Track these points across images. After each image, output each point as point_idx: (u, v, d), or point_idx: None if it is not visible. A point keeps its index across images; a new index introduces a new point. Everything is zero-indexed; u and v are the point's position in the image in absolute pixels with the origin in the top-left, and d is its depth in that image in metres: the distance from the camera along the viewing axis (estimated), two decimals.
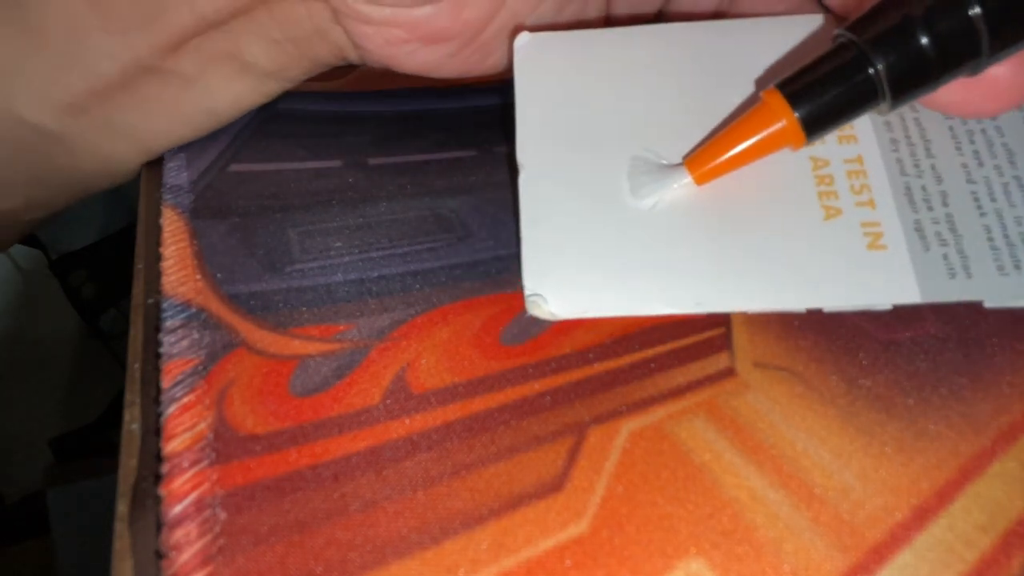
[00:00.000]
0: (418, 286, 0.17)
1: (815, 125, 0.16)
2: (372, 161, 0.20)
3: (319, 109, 0.22)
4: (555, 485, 0.13)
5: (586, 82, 0.18)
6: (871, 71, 0.15)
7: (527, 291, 0.16)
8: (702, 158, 0.17)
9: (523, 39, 0.19)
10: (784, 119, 0.16)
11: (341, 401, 0.14)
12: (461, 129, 0.21)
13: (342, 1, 0.17)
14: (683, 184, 0.17)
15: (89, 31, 0.17)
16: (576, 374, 0.15)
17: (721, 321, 0.16)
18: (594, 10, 0.20)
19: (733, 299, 0.16)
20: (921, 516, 0.13)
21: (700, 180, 0.17)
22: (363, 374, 0.15)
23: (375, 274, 0.17)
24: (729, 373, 0.15)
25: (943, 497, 0.13)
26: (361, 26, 0.17)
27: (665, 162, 0.17)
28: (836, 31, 0.16)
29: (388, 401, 0.14)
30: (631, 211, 0.17)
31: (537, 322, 0.16)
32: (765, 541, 0.12)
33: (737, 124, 0.16)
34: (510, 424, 0.14)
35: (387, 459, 0.14)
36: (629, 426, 0.14)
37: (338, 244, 0.18)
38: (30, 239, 0.60)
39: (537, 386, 0.15)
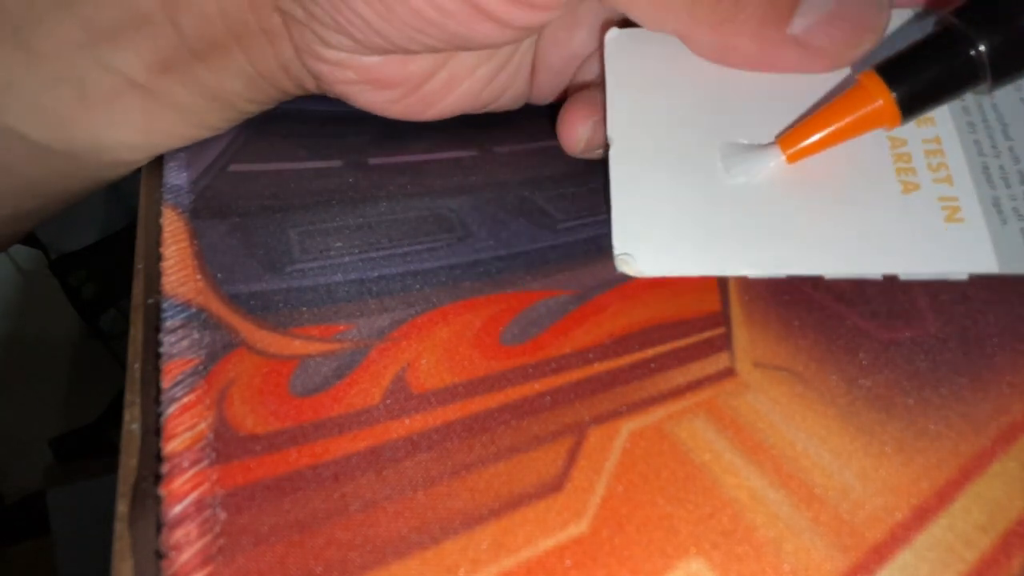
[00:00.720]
0: (418, 286, 0.17)
1: (911, 105, 0.16)
2: (372, 161, 0.20)
3: (319, 109, 0.22)
4: (555, 485, 0.13)
5: (672, 71, 0.19)
6: (973, 52, 0.16)
7: (616, 250, 0.17)
8: (795, 137, 0.17)
9: (613, 34, 0.20)
10: (880, 99, 0.16)
11: (341, 401, 0.14)
12: (461, 129, 0.21)
13: (305, 43, 0.18)
14: (776, 162, 0.17)
15: (80, 47, 0.18)
16: (576, 374, 0.15)
17: (721, 321, 0.16)
18: (522, 82, 0.21)
19: (813, 262, 0.16)
20: (921, 516, 0.13)
21: (792, 158, 0.17)
22: (363, 374, 0.15)
23: (375, 274, 0.17)
24: (729, 373, 0.15)
25: (943, 497, 0.13)
26: (319, 64, 0.19)
27: (755, 143, 0.18)
28: (937, 15, 0.16)
29: (388, 401, 0.14)
30: (717, 182, 0.17)
31: (536, 322, 0.16)
32: (765, 541, 0.12)
33: (832, 104, 0.17)
34: (510, 424, 0.14)
35: (387, 459, 0.14)
36: (629, 426, 0.14)
37: (338, 244, 0.18)
38: (30, 239, 0.60)
39: (537, 386, 0.15)
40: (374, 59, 0.19)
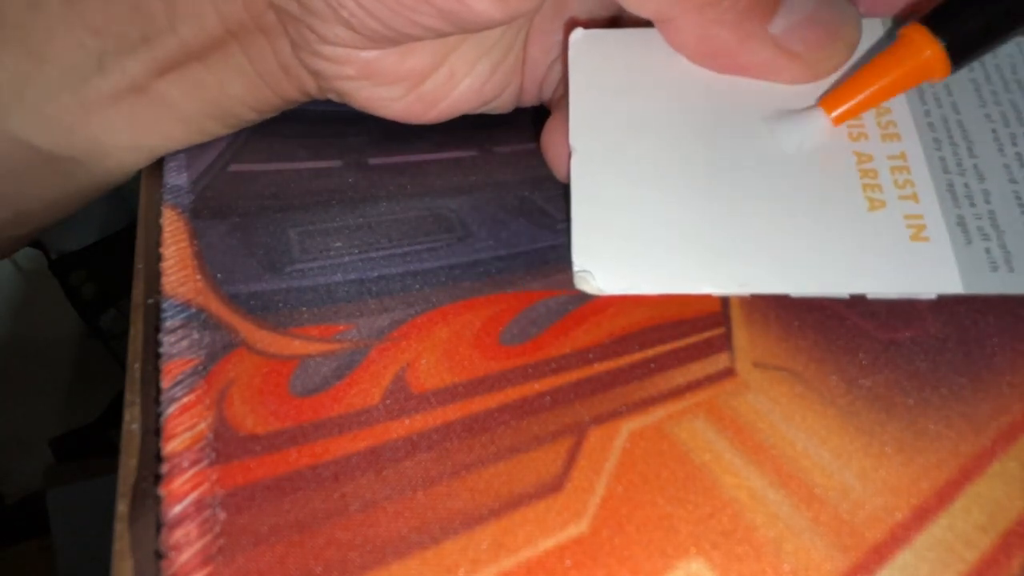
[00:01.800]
0: (418, 286, 0.17)
1: (961, 51, 0.16)
2: (372, 161, 0.20)
3: (319, 109, 0.22)
4: (555, 485, 0.13)
5: (638, 75, 0.19)
6: None
7: (575, 267, 0.16)
8: (839, 97, 0.17)
9: (577, 35, 0.19)
10: (928, 49, 0.16)
11: (341, 401, 0.14)
12: (461, 129, 0.21)
13: (301, 38, 0.18)
14: (822, 123, 0.17)
15: (86, 52, 0.18)
16: (576, 374, 0.15)
17: (721, 321, 0.16)
18: (515, 79, 0.21)
19: (778, 281, 0.16)
20: (921, 516, 0.13)
21: (838, 120, 0.17)
22: (363, 374, 0.15)
23: (375, 274, 0.17)
24: (729, 373, 0.15)
25: (943, 497, 0.13)
26: (317, 60, 0.18)
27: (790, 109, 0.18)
28: None
29: (388, 401, 0.14)
30: (678, 194, 0.17)
31: (536, 322, 0.16)
32: (765, 541, 0.12)
33: (876, 60, 0.17)
34: (510, 424, 0.14)
35: (387, 459, 0.14)
36: (629, 426, 0.14)
37: (338, 244, 0.18)
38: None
39: (537, 386, 0.15)
40: (372, 53, 0.18)
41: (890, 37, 0.18)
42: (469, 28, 0.18)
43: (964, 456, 0.13)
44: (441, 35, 0.18)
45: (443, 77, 0.20)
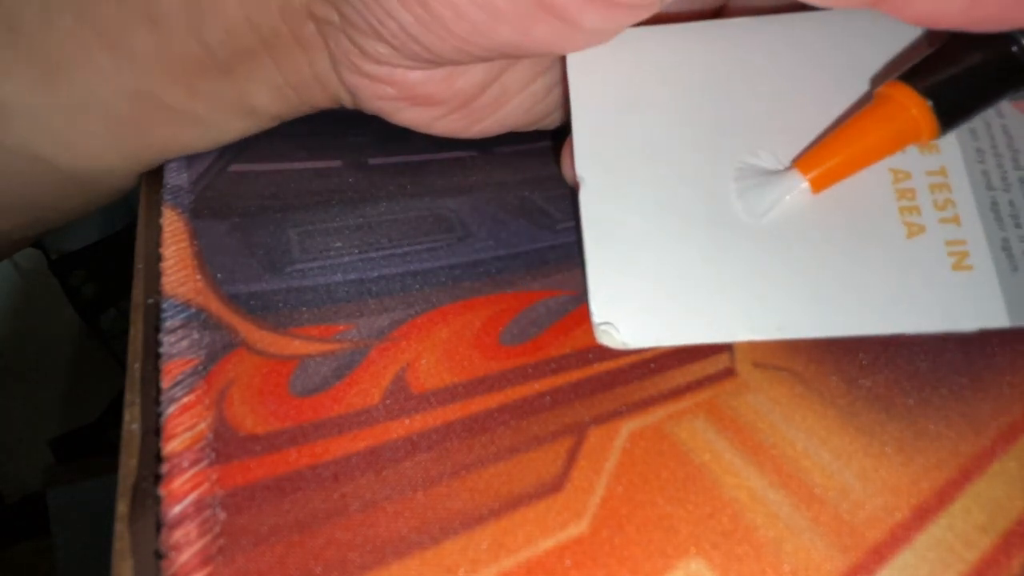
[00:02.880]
0: (418, 286, 0.17)
1: (950, 114, 0.15)
2: (372, 161, 0.20)
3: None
4: (555, 485, 0.13)
5: (646, 86, 0.17)
6: (1015, 48, 0.14)
7: (595, 319, 0.15)
8: (816, 159, 0.15)
9: (575, 54, 0.18)
10: (913, 107, 0.15)
11: (341, 401, 0.14)
12: None
13: (342, 52, 0.17)
14: (798, 190, 0.16)
15: (99, 68, 0.18)
16: (576, 374, 0.15)
17: None
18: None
19: (815, 325, 0.15)
20: (921, 516, 0.13)
21: (817, 186, 0.16)
22: (363, 374, 0.15)
23: (375, 274, 0.17)
24: (729, 373, 0.15)
25: (943, 497, 0.13)
26: (356, 77, 0.18)
27: (770, 167, 0.16)
28: None
29: (388, 401, 0.14)
30: (704, 228, 0.16)
31: (536, 322, 0.16)
32: (765, 541, 0.12)
33: (856, 120, 0.15)
34: (510, 424, 0.14)
35: (387, 459, 0.14)
36: (629, 426, 0.14)
37: (338, 244, 0.18)
38: None
39: (537, 386, 0.15)
40: (417, 74, 0.17)
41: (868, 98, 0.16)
42: (523, 56, 0.17)
43: (964, 456, 0.13)
44: (491, 61, 0.17)
45: (492, 97, 0.19)
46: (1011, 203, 0.16)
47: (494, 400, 0.14)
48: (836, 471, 0.13)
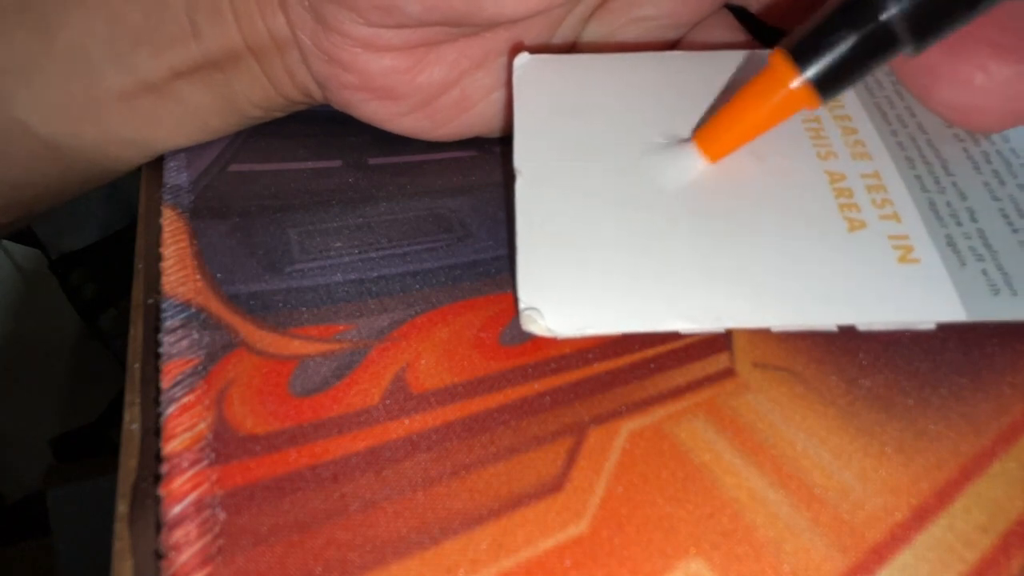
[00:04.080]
0: (418, 286, 0.17)
1: (828, 84, 0.15)
2: (372, 161, 0.20)
3: (320, 109, 0.22)
4: (555, 485, 0.13)
5: (584, 100, 0.18)
6: (883, 16, 0.14)
7: (522, 304, 0.15)
8: (712, 131, 0.16)
9: (523, 59, 0.19)
10: (793, 78, 0.15)
11: (341, 401, 0.14)
12: None
13: (308, 34, 0.18)
14: (695, 161, 0.16)
15: (101, 45, 0.18)
16: (576, 374, 0.15)
17: None
18: None
19: (758, 314, 0.15)
20: (921, 516, 0.13)
21: (713, 156, 0.16)
22: (363, 374, 0.15)
23: (375, 274, 0.17)
24: (729, 373, 0.15)
25: (943, 497, 0.13)
26: (324, 66, 0.18)
27: (671, 142, 0.17)
28: None
29: (388, 401, 0.14)
30: (638, 216, 0.16)
31: None
32: (765, 541, 0.12)
33: (744, 90, 0.16)
34: (510, 424, 0.14)
35: (387, 459, 0.14)
36: (629, 426, 0.14)
37: (338, 244, 0.18)
38: (30, 239, 0.60)
39: (537, 386, 0.15)
40: (383, 63, 0.18)
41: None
42: (485, 23, 0.17)
43: (964, 456, 0.13)
44: (457, 27, 0.17)
45: (454, 99, 0.19)
46: (948, 204, 0.16)
47: (494, 400, 0.14)
48: (836, 471, 0.13)
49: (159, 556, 0.12)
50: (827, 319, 0.15)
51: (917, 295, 0.15)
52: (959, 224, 0.16)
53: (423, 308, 0.16)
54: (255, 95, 0.20)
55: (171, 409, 0.14)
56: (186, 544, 0.12)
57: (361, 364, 0.15)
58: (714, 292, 0.15)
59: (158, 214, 0.18)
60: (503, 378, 0.15)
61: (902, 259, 0.15)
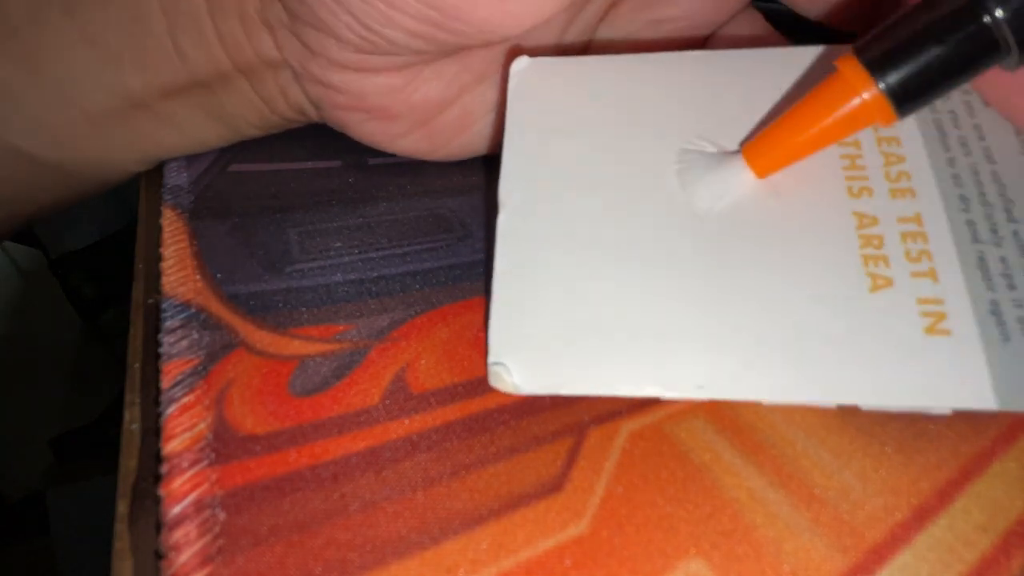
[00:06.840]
0: (418, 286, 0.17)
1: (908, 97, 0.13)
2: (372, 161, 0.20)
3: None
4: (555, 485, 0.13)
5: (588, 113, 0.17)
6: (987, 19, 0.12)
7: (490, 358, 0.14)
8: (762, 144, 0.14)
9: (521, 63, 0.17)
10: (865, 91, 0.13)
11: (341, 401, 0.14)
12: None
13: (296, 59, 0.17)
14: (741, 176, 0.14)
15: (87, 71, 0.18)
16: None
17: None
18: None
19: (744, 387, 0.13)
20: (921, 516, 0.13)
21: (762, 171, 0.14)
22: (363, 374, 0.15)
23: (375, 274, 0.17)
24: None
25: (943, 497, 0.13)
26: (315, 87, 0.18)
27: (716, 151, 0.15)
28: None
29: (387, 401, 0.14)
30: (630, 266, 0.14)
31: None
32: (765, 541, 0.12)
33: (805, 102, 0.14)
34: (509, 424, 0.14)
35: (386, 459, 0.14)
36: (629, 426, 0.14)
37: (338, 244, 0.18)
38: (30, 239, 0.60)
39: None
40: (378, 82, 0.17)
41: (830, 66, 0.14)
42: (466, 44, 0.16)
43: (964, 456, 0.13)
44: (440, 50, 0.17)
45: (453, 117, 0.18)
46: (1003, 260, 0.13)
47: (494, 400, 0.14)
48: (836, 471, 0.13)
49: (159, 556, 0.12)
50: (824, 398, 0.13)
51: (938, 375, 0.12)
52: (1012, 287, 0.13)
53: (423, 308, 0.16)
54: (249, 114, 0.19)
55: (171, 409, 0.14)
56: (186, 544, 0.12)
57: (361, 364, 0.15)
58: (697, 356, 0.13)
59: (158, 214, 0.18)
60: None
61: (929, 329, 0.13)
